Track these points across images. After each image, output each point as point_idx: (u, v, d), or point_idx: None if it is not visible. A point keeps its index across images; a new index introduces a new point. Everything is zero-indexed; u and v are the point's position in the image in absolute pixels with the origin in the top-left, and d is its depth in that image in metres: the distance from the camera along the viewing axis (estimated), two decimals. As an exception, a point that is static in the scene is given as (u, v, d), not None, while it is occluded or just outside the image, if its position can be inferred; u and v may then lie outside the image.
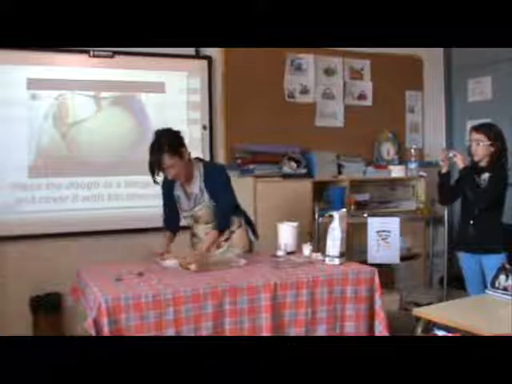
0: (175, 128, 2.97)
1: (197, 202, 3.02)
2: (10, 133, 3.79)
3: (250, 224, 3.26)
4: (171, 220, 3.13)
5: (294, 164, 4.37)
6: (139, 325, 2.21)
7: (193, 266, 2.67)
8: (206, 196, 2.99)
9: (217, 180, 3.00)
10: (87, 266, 2.96)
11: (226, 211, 3.00)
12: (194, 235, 3.19)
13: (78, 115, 3.98)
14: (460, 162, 3.24)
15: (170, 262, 2.79)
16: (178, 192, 3.07)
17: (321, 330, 2.56)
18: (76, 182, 3.98)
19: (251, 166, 4.23)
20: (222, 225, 2.98)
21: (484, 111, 4.81)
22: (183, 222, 3.19)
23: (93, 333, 2.14)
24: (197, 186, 3.00)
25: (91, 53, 3.95)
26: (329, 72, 4.81)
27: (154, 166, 2.84)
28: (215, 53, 4.34)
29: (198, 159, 3.14)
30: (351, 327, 2.62)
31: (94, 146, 4.01)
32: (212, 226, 3.00)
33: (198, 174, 3.01)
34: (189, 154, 2.97)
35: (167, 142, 2.84)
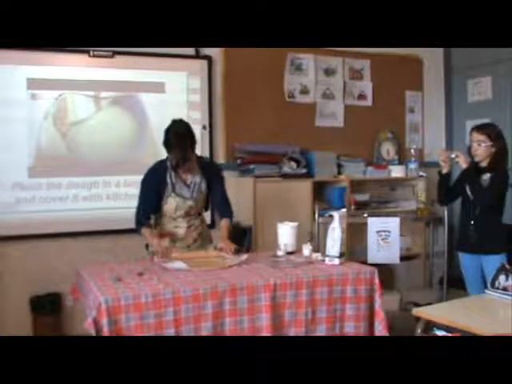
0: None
1: (197, 190, 3.07)
2: (9, 133, 3.79)
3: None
4: (150, 213, 3.07)
5: (294, 164, 4.37)
6: (139, 325, 2.21)
7: (237, 262, 2.77)
8: (204, 186, 3.09)
9: (213, 171, 3.17)
10: (87, 266, 2.96)
11: (229, 200, 3.17)
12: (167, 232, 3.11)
13: (78, 115, 3.98)
14: (463, 162, 3.25)
15: (177, 264, 2.71)
16: (173, 180, 3.03)
17: (321, 330, 2.56)
18: (76, 182, 3.97)
19: (251, 166, 4.22)
20: (230, 212, 3.14)
21: (484, 111, 4.81)
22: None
23: (93, 333, 2.14)
24: (198, 175, 3.07)
25: (91, 53, 3.95)
26: (329, 72, 4.81)
27: (180, 161, 2.89)
28: (215, 53, 4.33)
29: None
30: (351, 327, 2.62)
31: (93, 146, 4.01)
32: (220, 215, 3.16)
33: (197, 163, 3.09)
34: None
35: (190, 137, 2.94)
